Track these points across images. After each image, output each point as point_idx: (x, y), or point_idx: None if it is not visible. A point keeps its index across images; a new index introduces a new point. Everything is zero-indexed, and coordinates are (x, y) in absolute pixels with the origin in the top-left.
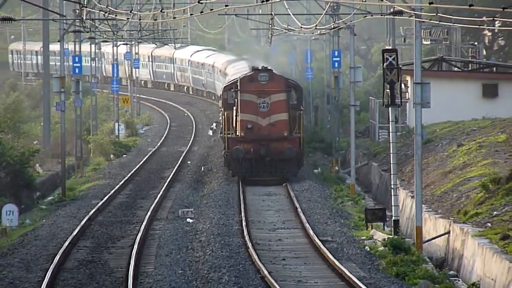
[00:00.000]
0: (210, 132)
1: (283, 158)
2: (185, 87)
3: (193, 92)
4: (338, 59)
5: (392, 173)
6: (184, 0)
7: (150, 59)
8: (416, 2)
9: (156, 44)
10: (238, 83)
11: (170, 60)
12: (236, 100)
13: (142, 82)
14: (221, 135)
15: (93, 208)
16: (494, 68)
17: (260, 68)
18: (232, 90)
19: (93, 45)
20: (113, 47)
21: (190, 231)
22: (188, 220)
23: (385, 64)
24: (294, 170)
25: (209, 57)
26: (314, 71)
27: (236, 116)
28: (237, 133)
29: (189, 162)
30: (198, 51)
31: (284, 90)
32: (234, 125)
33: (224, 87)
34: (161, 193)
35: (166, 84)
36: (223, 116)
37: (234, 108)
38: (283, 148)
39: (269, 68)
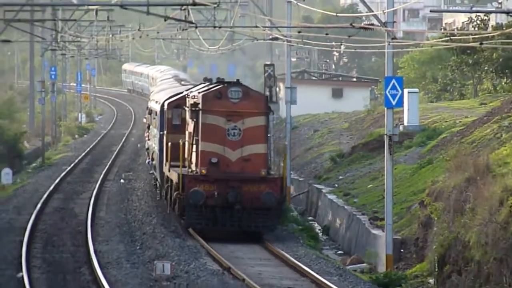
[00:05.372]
0: (144, 120)
1: (259, 206)
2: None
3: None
4: (233, 69)
5: (271, 149)
6: (127, 28)
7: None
8: (287, 31)
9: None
10: (200, 100)
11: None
12: (194, 122)
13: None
14: (149, 161)
15: (64, 172)
16: (340, 78)
17: (229, 81)
18: (180, 108)
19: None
20: (78, 61)
21: (130, 188)
22: (121, 181)
23: (265, 74)
24: (273, 223)
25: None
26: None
27: (193, 144)
28: (195, 169)
29: (139, 145)
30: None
31: (263, 112)
32: (188, 156)
33: (168, 103)
34: (110, 161)
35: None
36: (164, 142)
37: (188, 132)
38: (260, 193)
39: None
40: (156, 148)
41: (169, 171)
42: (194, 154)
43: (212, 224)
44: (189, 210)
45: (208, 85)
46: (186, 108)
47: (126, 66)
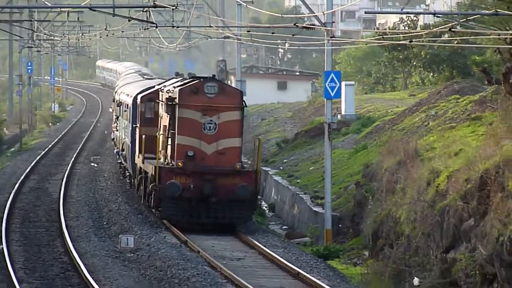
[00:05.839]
0: (110, 110)
1: (234, 199)
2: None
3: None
4: (190, 65)
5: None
6: (95, 28)
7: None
8: (238, 30)
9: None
10: (177, 95)
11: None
12: (170, 116)
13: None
14: (118, 151)
15: (39, 156)
16: (285, 72)
17: (205, 76)
18: (153, 101)
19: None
20: (51, 57)
21: (98, 170)
22: (92, 164)
23: (218, 68)
24: (247, 215)
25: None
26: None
27: (168, 137)
28: (171, 162)
29: (106, 132)
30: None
31: (239, 107)
32: (163, 149)
33: (141, 97)
34: (80, 146)
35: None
36: (137, 135)
37: (163, 125)
38: (235, 186)
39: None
40: (127, 140)
41: (143, 162)
42: (169, 147)
43: (188, 216)
44: (165, 202)
45: (181, 80)
46: (160, 102)
47: (99, 63)
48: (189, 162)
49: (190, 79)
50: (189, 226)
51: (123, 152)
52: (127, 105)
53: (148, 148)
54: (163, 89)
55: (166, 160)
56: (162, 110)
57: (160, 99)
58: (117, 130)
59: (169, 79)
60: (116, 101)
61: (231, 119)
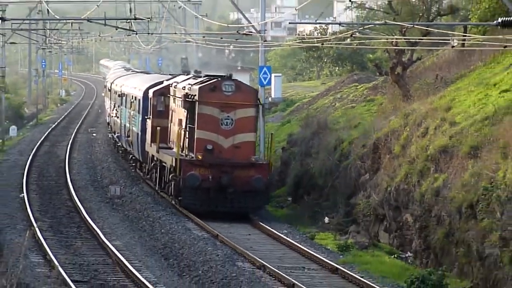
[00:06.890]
0: (103, 94)
1: (249, 189)
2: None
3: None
4: (161, 62)
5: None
6: (91, 34)
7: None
8: (196, 36)
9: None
10: (197, 92)
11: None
12: (188, 112)
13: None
14: (118, 135)
15: (50, 128)
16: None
17: (223, 75)
18: (163, 96)
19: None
20: (59, 56)
21: (94, 138)
22: (93, 134)
23: (182, 64)
24: (261, 204)
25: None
26: (151, 68)
27: (186, 131)
28: (189, 154)
29: (99, 111)
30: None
31: (254, 104)
32: (179, 140)
33: (153, 91)
34: (80, 121)
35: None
36: (149, 125)
37: (179, 119)
38: (250, 178)
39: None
40: (135, 128)
41: (157, 152)
42: (187, 140)
43: (206, 205)
44: (185, 192)
45: (194, 78)
46: (175, 97)
47: (102, 61)
48: (208, 155)
49: (206, 77)
50: (206, 214)
51: (129, 139)
52: (135, 97)
53: (161, 139)
54: (176, 86)
55: (184, 152)
56: (176, 105)
57: (173, 94)
58: (117, 117)
59: (176, 76)
60: (117, 92)
61: (246, 115)
